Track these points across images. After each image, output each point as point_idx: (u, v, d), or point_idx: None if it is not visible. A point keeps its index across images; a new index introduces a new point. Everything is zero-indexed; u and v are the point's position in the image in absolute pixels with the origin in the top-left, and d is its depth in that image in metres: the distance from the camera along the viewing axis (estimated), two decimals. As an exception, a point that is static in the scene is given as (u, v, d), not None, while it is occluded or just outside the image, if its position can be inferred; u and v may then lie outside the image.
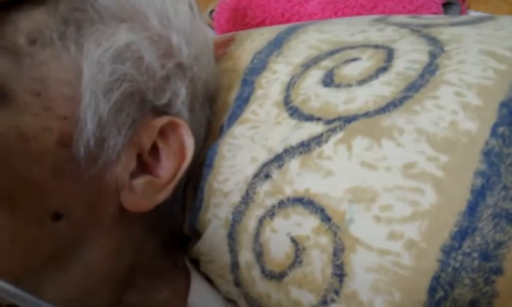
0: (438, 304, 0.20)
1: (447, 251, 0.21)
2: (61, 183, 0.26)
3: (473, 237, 0.20)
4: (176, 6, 0.31)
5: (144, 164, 0.29)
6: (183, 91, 0.30)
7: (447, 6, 0.48)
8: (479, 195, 0.21)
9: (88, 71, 0.26)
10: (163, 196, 0.29)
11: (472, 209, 0.21)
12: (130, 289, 0.31)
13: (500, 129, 0.22)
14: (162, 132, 0.29)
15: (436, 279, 0.20)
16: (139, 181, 0.28)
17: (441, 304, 0.20)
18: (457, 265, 0.20)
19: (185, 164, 0.29)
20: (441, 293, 0.20)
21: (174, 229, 0.34)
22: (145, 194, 0.28)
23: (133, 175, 0.28)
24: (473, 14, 0.50)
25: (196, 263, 0.33)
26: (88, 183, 0.27)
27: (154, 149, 0.29)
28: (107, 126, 0.27)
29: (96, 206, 0.28)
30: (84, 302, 0.29)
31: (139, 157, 0.28)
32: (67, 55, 0.26)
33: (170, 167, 0.29)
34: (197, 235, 0.32)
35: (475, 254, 0.20)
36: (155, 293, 0.32)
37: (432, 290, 0.20)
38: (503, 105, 0.23)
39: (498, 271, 0.20)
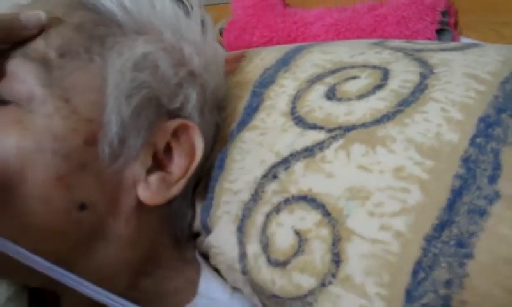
0: (419, 284, 0.24)
1: (429, 240, 0.24)
2: (87, 178, 0.29)
3: (451, 228, 0.24)
4: (188, 21, 0.35)
5: (159, 162, 0.32)
6: (194, 96, 0.33)
7: (440, 32, 0.52)
8: (457, 194, 0.25)
9: (112, 79, 0.30)
10: (175, 191, 0.32)
11: (451, 206, 0.24)
12: (144, 277, 0.34)
13: (478, 140, 0.26)
14: (175, 133, 0.32)
15: (418, 263, 0.24)
16: (154, 177, 0.31)
17: (422, 284, 0.24)
18: (436, 251, 0.24)
19: (196, 162, 0.32)
20: (422, 275, 0.24)
21: (184, 226, 0.37)
22: (159, 188, 0.31)
23: (149, 171, 0.31)
24: (463, 40, 0.54)
25: (205, 257, 0.37)
26: (109, 178, 0.30)
27: (167, 149, 0.32)
28: (128, 128, 0.30)
29: (116, 199, 0.31)
30: (102, 287, 0.32)
31: (154, 155, 0.32)
32: (92, 66, 0.30)
33: (182, 165, 0.32)
34: (207, 230, 0.35)
35: (452, 243, 0.24)
36: (167, 281, 0.35)
37: (415, 272, 0.24)
38: (481, 120, 0.27)
39: (470, 256, 0.23)
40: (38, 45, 0.29)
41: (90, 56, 0.30)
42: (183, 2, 0.37)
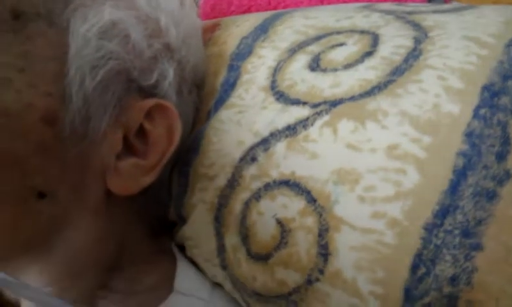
0: (420, 281, 0.21)
1: (429, 228, 0.21)
2: (46, 162, 0.26)
3: (454, 215, 0.21)
4: None
5: (131, 147, 0.29)
6: (171, 73, 0.30)
7: (431, -3, 0.49)
8: (460, 174, 0.22)
9: (74, 47, 0.26)
10: (149, 179, 0.28)
11: (454, 188, 0.21)
12: (116, 273, 0.31)
13: (482, 111, 0.23)
14: (149, 114, 0.29)
15: (418, 256, 0.21)
16: (126, 163, 0.28)
17: (423, 281, 0.21)
18: (438, 242, 0.21)
19: (172, 147, 0.29)
20: (423, 270, 0.21)
21: (160, 214, 0.34)
22: (131, 176, 0.28)
23: (119, 157, 0.28)
24: (455, 4, 0.50)
25: (182, 248, 0.34)
26: (73, 162, 0.27)
27: (141, 132, 0.29)
28: (93, 104, 0.26)
29: (82, 187, 0.27)
30: (68, 285, 0.29)
31: (126, 138, 0.28)
32: (53, 30, 0.26)
33: (157, 150, 0.29)
34: (182, 220, 0.32)
35: (456, 232, 0.21)
36: (141, 277, 0.32)
37: (414, 267, 0.21)
38: (485, 88, 0.24)
39: (478, 247, 0.20)
40: None
41: (50, 19, 0.26)
42: None
